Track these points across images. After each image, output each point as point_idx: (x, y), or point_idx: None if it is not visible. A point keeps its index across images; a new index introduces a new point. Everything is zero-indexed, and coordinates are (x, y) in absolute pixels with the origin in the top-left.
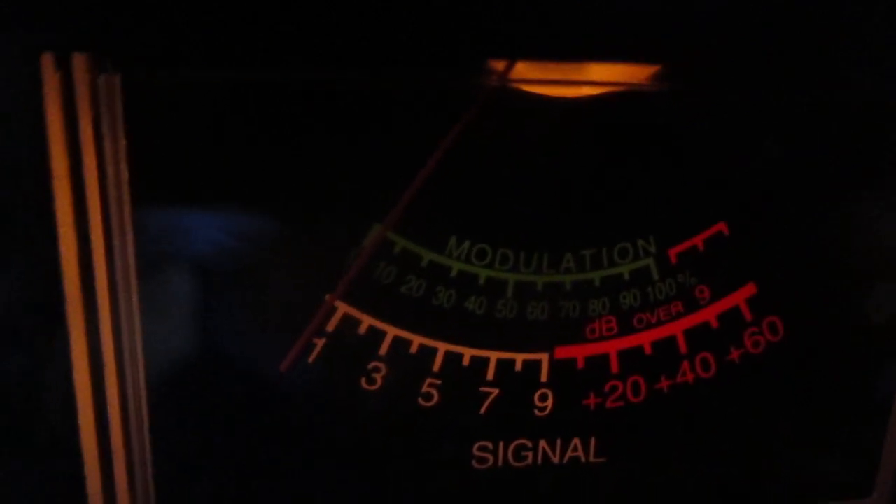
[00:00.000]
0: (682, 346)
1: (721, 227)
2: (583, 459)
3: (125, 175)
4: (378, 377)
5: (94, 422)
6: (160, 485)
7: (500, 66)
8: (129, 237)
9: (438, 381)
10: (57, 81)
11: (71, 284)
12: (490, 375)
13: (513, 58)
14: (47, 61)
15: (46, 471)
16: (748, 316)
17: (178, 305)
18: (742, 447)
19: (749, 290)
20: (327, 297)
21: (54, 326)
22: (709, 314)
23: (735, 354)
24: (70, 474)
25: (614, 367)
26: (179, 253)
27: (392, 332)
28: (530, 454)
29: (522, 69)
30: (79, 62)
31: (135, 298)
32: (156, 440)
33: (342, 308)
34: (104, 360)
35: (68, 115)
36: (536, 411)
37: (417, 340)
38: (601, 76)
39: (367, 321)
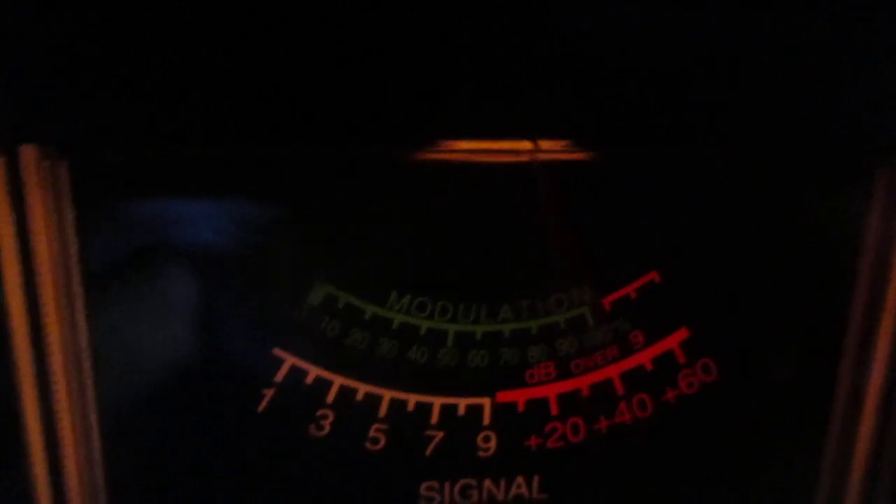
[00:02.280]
0: (619, 388)
1: (653, 275)
2: (526, 496)
3: (75, 246)
4: (326, 423)
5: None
6: None
7: (434, 139)
8: (80, 299)
9: (385, 426)
10: (3, 168)
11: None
12: (434, 419)
13: (445, 135)
14: None
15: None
16: (682, 358)
17: (130, 353)
18: (679, 483)
19: (682, 334)
20: (275, 349)
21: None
22: (644, 357)
23: (671, 395)
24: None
25: (554, 409)
26: (129, 307)
27: (338, 380)
28: (475, 492)
29: (455, 142)
30: (26, 152)
31: (84, 345)
32: (110, 472)
33: (290, 359)
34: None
35: (16, 196)
36: (480, 452)
37: (363, 388)
38: (526, 146)
39: (314, 371)
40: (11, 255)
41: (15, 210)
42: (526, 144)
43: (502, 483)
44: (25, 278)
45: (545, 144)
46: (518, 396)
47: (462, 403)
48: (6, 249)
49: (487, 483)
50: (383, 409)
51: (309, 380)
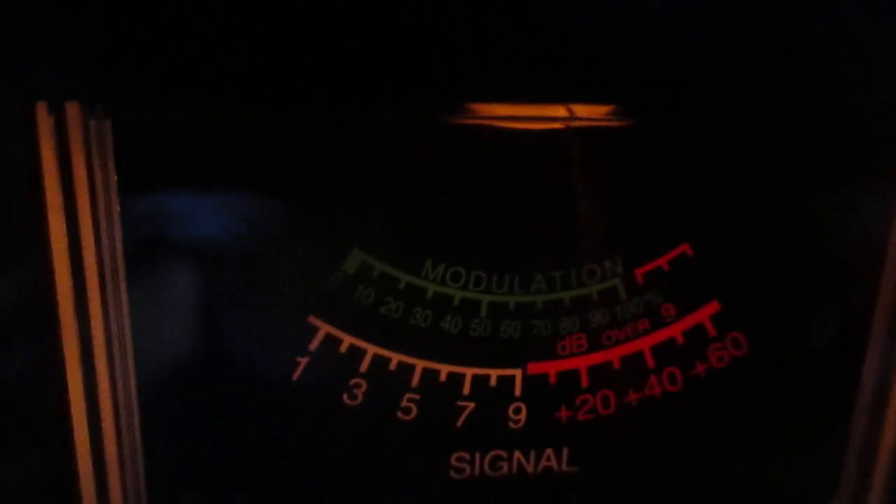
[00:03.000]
0: (650, 362)
1: (685, 248)
2: (556, 468)
3: (116, 207)
4: (359, 393)
5: (87, 424)
6: (152, 489)
7: (469, 104)
8: (120, 261)
9: (417, 396)
10: (50, 126)
11: (64, 300)
12: (466, 390)
13: (481, 98)
14: (41, 109)
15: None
16: (712, 332)
17: (167, 322)
18: (707, 456)
19: (713, 307)
20: (310, 318)
21: (47, 331)
22: (674, 331)
23: (700, 368)
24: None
25: (585, 381)
26: (167, 273)
27: (372, 350)
28: (505, 464)
29: (491, 107)
30: (71, 110)
31: (125, 311)
32: (147, 443)
33: (324, 328)
34: (96, 365)
35: (62, 155)
36: (511, 424)
37: (396, 358)
38: (562, 113)
39: (348, 340)
40: (59, 219)
41: (62, 172)
42: (562, 111)
43: (532, 455)
44: (71, 241)
45: (581, 111)
46: (549, 368)
47: (494, 374)
48: (54, 212)
49: (517, 455)
50: (416, 380)
51: (343, 348)
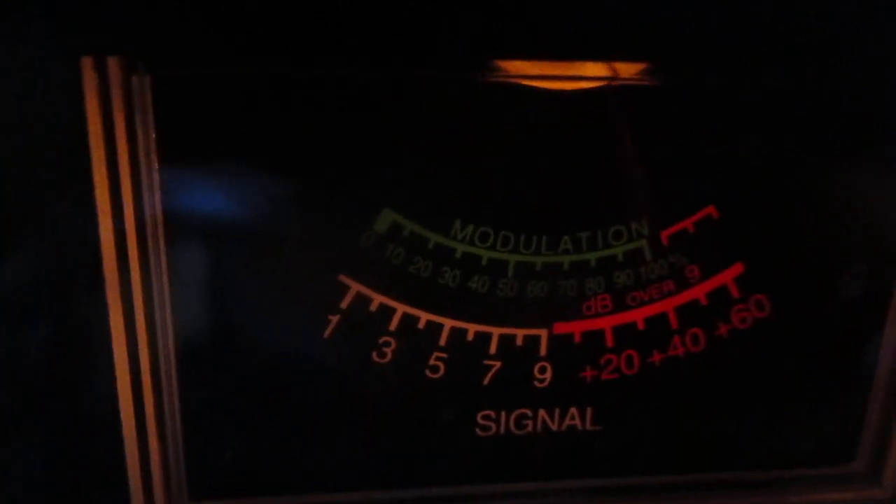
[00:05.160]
0: (674, 322)
1: (710, 210)
2: (579, 427)
3: (156, 164)
4: (388, 351)
5: (131, 386)
6: (189, 448)
7: (500, 62)
8: (160, 218)
9: (445, 355)
10: (95, 81)
11: (108, 255)
12: (493, 349)
13: (512, 56)
14: (87, 64)
15: (85, 436)
16: (736, 293)
17: (203, 279)
18: (729, 416)
19: (737, 269)
20: (341, 276)
21: (92, 295)
22: (698, 292)
23: (723, 330)
24: (109, 440)
25: (609, 341)
26: (204, 231)
27: (401, 308)
28: (530, 422)
29: (522, 65)
30: (113, 64)
31: (164, 268)
32: (184, 404)
33: (355, 287)
34: (136, 325)
35: (105, 110)
36: (536, 383)
37: (425, 317)
38: (594, 72)
39: (377, 299)
40: (103, 173)
41: (105, 128)
42: (593, 69)
43: (556, 414)
44: (113, 197)
45: (613, 70)
46: (574, 328)
47: (520, 334)
48: (98, 167)
49: (542, 413)
50: (444, 339)
51: (373, 307)
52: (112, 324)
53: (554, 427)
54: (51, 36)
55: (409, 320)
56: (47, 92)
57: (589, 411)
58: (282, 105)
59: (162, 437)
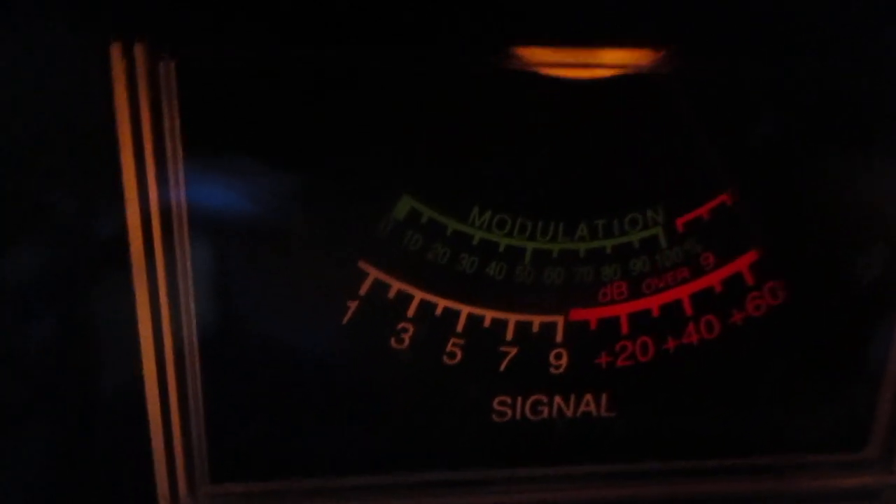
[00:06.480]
0: (688, 309)
1: (725, 197)
2: (594, 413)
3: (181, 151)
4: (406, 337)
5: (156, 370)
6: (211, 431)
7: (518, 49)
8: (184, 205)
9: (461, 341)
10: (123, 67)
11: (135, 241)
12: (509, 336)
13: (529, 43)
14: (116, 50)
15: (109, 420)
16: (750, 281)
17: (225, 265)
18: (743, 403)
19: (751, 256)
20: (360, 262)
21: (117, 280)
22: (713, 279)
23: (738, 317)
24: (134, 424)
25: (625, 328)
26: (226, 217)
27: (419, 295)
28: (546, 408)
29: (539, 53)
30: (139, 51)
31: (188, 254)
32: (206, 388)
33: (373, 273)
34: (161, 310)
35: (132, 95)
36: (552, 369)
37: (442, 303)
38: (611, 60)
39: (396, 285)
40: (130, 159)
41: (132, 113)
42: (610, 56)
43: (571, 400)
44: (140, 184)
45: (628, 56)
46: (590, 315)
47: (536, 320)
48: (125, 153)
49: (557, 399)
50: (461, 325)
51: (391, 293)
52: (139, 308)
53: (569, 413)
54: (75, 22)
55: (426, 307)
56: (72, 79)
57: (604, 397)
58: (304, 92)
59: (185, 421)
